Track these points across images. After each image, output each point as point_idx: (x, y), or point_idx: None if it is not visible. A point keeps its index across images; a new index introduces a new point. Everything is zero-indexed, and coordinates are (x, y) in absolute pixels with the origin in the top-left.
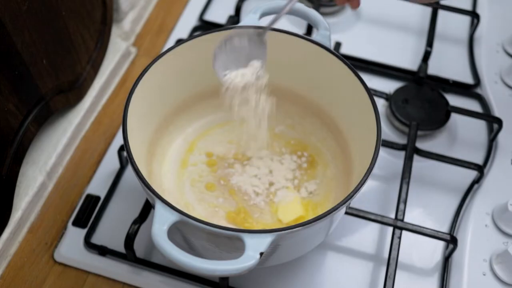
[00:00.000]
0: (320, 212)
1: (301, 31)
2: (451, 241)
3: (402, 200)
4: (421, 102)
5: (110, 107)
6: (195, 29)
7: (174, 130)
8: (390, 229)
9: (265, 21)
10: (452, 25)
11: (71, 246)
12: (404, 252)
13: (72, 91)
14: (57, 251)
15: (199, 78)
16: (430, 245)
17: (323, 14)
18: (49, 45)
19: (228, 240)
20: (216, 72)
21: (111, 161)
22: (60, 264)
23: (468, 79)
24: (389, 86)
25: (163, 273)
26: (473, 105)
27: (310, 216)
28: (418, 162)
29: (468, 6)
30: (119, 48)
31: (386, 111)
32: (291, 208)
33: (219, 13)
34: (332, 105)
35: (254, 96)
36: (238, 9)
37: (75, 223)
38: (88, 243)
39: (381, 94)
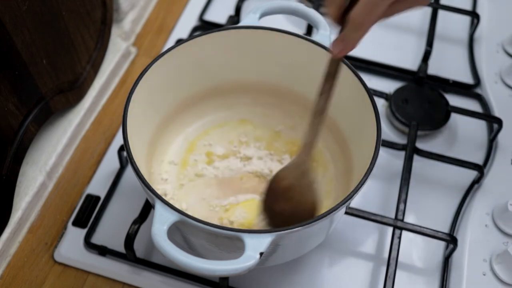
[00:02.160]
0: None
1: (301, 31)
2: (451, 241)
3: (402, 200)
4: (421, 102)
5: (110, 107)
6: (195, 29)
7: (174, 130)
8: (390, 229)
9: (265, 21)
10: (452, 25)
11: (71, 246)
12: (404, 252)
13: (72, 91)
14: (57, 251)
15: (199, 78)
16: (430, 245)
17: (323, 14)
18: (49, 45)
19: (228, 240)
20: None
21: (111, 161)
22: (60, 264)
23: (468, 79)
24: (389, 86)
25: (163, 273)
26: (473, 105)
27: None
28: (418, 162)
29: (468, 6)
30: (119, 48)
31: (386, 111)
32: (253, 207)
33: (219, 13)
34: (332, 105)
35: None
36: (238, 9)
37: (75, 223)
38: (88, 243)
39: (381, 94)
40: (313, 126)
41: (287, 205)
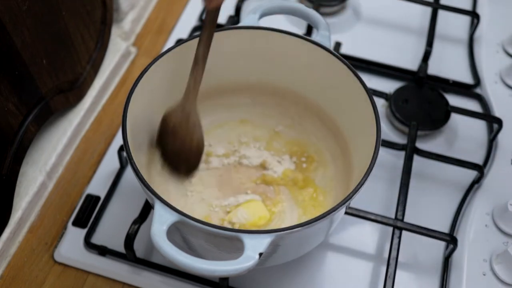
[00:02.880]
0: (320, 212)
1: (301, 31)
2: (451, 241)
3: (402, 200)
4: (421, 102)
5: (110, 107)
6: (195, 29)
7: None
8: (390, 229)
9: (265, 22)
10: (452, 25)
11: (71, 246)
12: (404, 252)
13: (72, 91)
14: (57, 251)
15: None
16: (430, 245)
17: (323, 14)
18: (49, 45)
19: (227, 241)
20: None
21: (111, 161)
22: (60, 264)
23: (468, 79)
24: (389, 86)
25: (163, 273)
26: (473, 105)
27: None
28: (418, 162)
29: (468, 6)
30: (119, 48)
31: (386, 111)
32: (254, 208)
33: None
34: (332, 105)
35: None
36: (238, 9)
37: (75, 223)
38: (88, 243)
39: (381, 94)
40: (193, 73)
41: (175, 143)
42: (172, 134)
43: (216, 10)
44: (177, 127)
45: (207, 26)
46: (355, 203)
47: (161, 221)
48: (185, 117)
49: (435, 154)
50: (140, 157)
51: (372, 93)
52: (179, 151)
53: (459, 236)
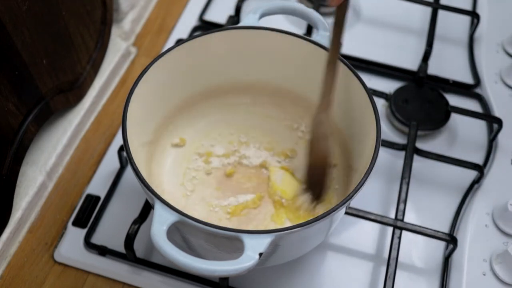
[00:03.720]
0: (320, 212)
1: (301, 31)
2: (451, 241)
3: (402, 200)
4: (421, 102)
5: (110, 107)
6: (195, 29)
7: (173, 130)
8: (390, 229)
9: (265, 22)
10: (452, 25)
11: (71, 246)
12: (404, 252)
13: (72, 91)
14: (57, 251)
15: (199, 78)
16: (430, 245)
17: (323, 14)
18: (49, 45)
19: (227, 241)
20: None
21: (111, 161)
22: (60, 264)
23: (468, 79)
24: (389, 86)
25: (163, 273)
26: (473, 105)
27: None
28: (418, 162)
29: (468, 6)
30: (119, 48)
31: (386, 111)
32: (287, 184)
33: (219, 13)
34: (332, 105)
35: None
36: (238, 9)
37: (75, 223)
38: (88, 243)
39: (381, 94)
40: (329, 77)
41: (309, 158)
42: (309, 146)
43: (344, 6)
44: (312, 138)
45: (335, 26)
46: (355, 203)
47: (161, 221)
48: (316, 127)
49: (435, 154)
50: (140, 157)
51: (372, 93)
52: (310, 166)
53: (459, 236)
